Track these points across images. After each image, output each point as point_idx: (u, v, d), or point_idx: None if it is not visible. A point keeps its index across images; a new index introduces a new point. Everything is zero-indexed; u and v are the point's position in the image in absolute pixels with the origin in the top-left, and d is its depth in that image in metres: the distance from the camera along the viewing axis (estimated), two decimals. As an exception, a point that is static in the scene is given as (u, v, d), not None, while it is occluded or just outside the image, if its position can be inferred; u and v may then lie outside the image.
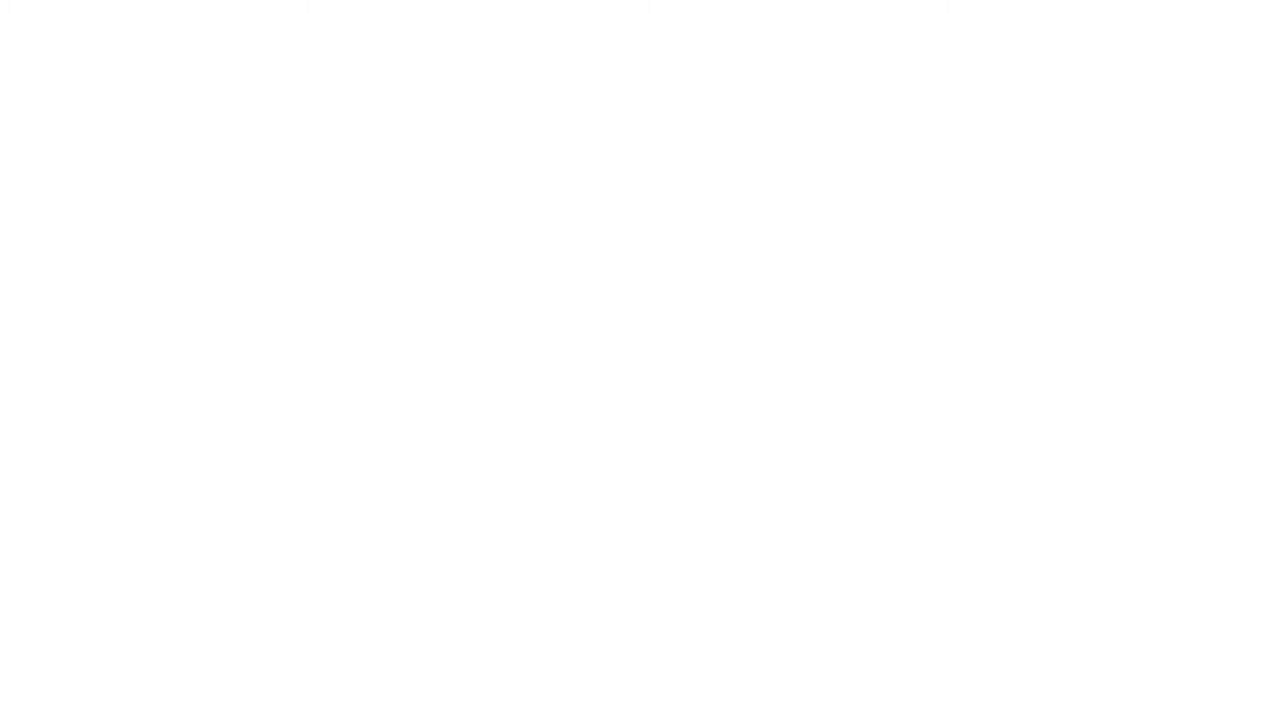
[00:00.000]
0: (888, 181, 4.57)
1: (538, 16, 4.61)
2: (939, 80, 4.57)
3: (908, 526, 4.53)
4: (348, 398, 4.58)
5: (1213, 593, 4.49)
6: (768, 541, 4.55)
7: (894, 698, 4.52)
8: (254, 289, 4.59)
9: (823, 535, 4.54)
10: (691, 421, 4.57)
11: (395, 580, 4.56)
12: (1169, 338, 4.52)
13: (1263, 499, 4.48)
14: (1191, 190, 4.54)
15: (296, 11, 4.60)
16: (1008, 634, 4.51)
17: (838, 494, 4.54)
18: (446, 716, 4.53)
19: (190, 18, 4.61)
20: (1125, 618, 4.50)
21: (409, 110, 4.61)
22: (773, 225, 4.58)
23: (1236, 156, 4.53)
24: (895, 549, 4.54)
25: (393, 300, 4.59)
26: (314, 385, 4.58)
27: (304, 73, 4.61)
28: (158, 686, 4.55)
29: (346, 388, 4.58)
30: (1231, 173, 4.53)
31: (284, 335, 4.58)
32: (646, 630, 4.55)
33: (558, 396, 4.58)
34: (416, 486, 4.57)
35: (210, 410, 4.58)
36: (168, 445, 4.58)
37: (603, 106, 4.60)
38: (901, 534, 4.54)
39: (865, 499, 4.54)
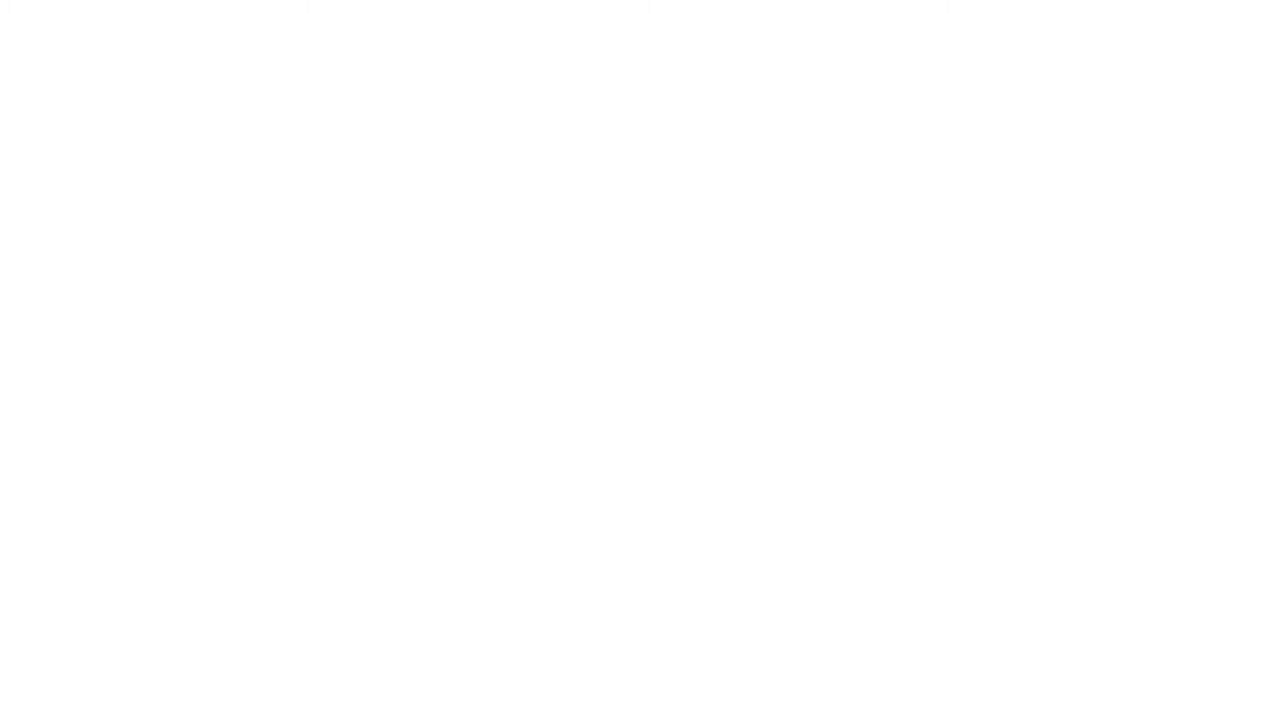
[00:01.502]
0: (888, 181, 4.58)
1: (538, 16, 4.61)
2: (939, 80, 4.57)
3: (907, 526, 4.54)
4: (347, 397, 4.58)
5: (1212, 592, 4.49)
6: (767, 541, 4.55)
7: (893, 697, 4.52)
8: (254, 288, 4.60)
9: (822, 535, 4.55)
10: (690, 421, 4.57)
11: (395, 580, 4.57)
12: (1169, 337, 4.53)
13: (1263, 499, 4.48)
14: (1192, 190, 4.55)
15: (296, 11, 4.60)
16: (1007, 634, 4.52)
17: (837, 493, 4.55)
18: (447, 717, 4.54)
19: (190, 18, 4.61)
20: (1124, 617, 4.51)
21: (409, 110, 4.61)
22: (773, 225, 4.59)
23: (1236, 156, 4.54)
24: (895, 549, 4.54)
25: (393, 300, 4.59)
26: (314, 384, 4.59)
27: (304, 73, 4.61)
28: (158, 687, 4.55)
29: (346, 387, 4.59)
30: (1232, 173, 4.54)
31: (284, 335, 4.59)
32: (646, 630, 4.55)
33: (557, 396, 4.58)
34: (416, 486, 4.57)
35: (210, 409, 4.58)
36: (168, 444, 4.58)
37: (603, 106, 4.60)
38: (901, 534, 4.54)
39: (865, 498, 4.55)
